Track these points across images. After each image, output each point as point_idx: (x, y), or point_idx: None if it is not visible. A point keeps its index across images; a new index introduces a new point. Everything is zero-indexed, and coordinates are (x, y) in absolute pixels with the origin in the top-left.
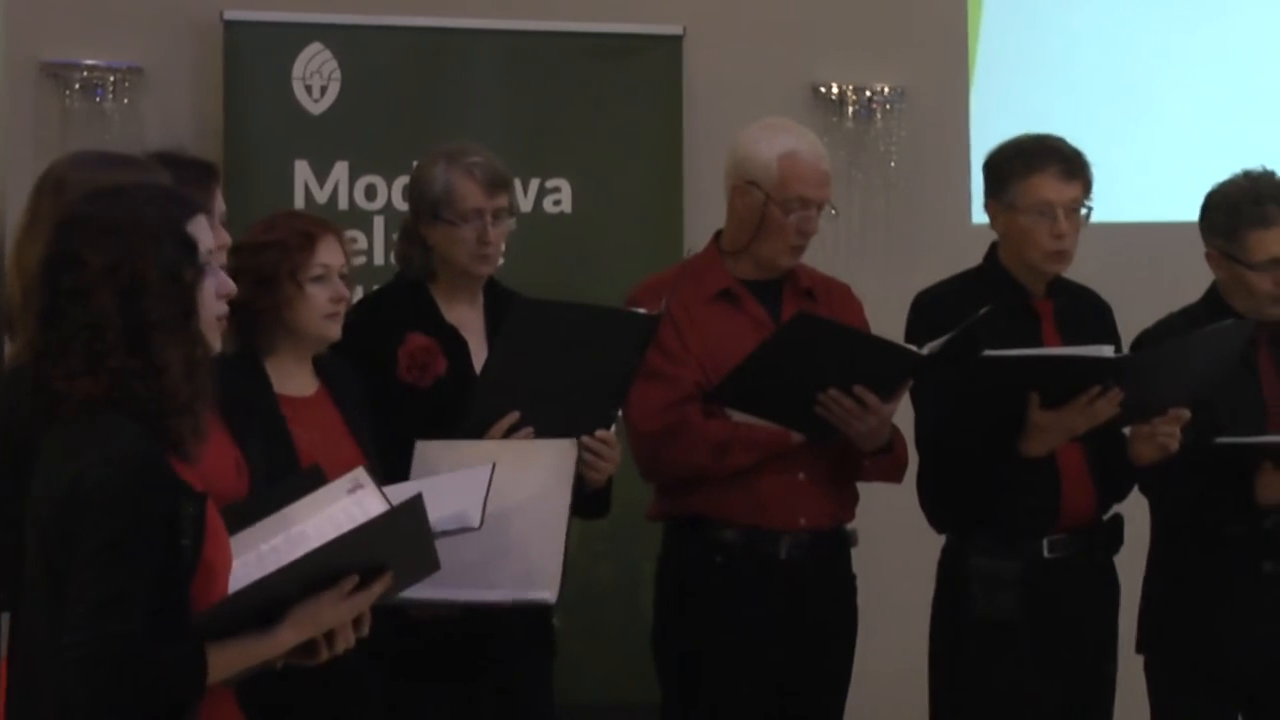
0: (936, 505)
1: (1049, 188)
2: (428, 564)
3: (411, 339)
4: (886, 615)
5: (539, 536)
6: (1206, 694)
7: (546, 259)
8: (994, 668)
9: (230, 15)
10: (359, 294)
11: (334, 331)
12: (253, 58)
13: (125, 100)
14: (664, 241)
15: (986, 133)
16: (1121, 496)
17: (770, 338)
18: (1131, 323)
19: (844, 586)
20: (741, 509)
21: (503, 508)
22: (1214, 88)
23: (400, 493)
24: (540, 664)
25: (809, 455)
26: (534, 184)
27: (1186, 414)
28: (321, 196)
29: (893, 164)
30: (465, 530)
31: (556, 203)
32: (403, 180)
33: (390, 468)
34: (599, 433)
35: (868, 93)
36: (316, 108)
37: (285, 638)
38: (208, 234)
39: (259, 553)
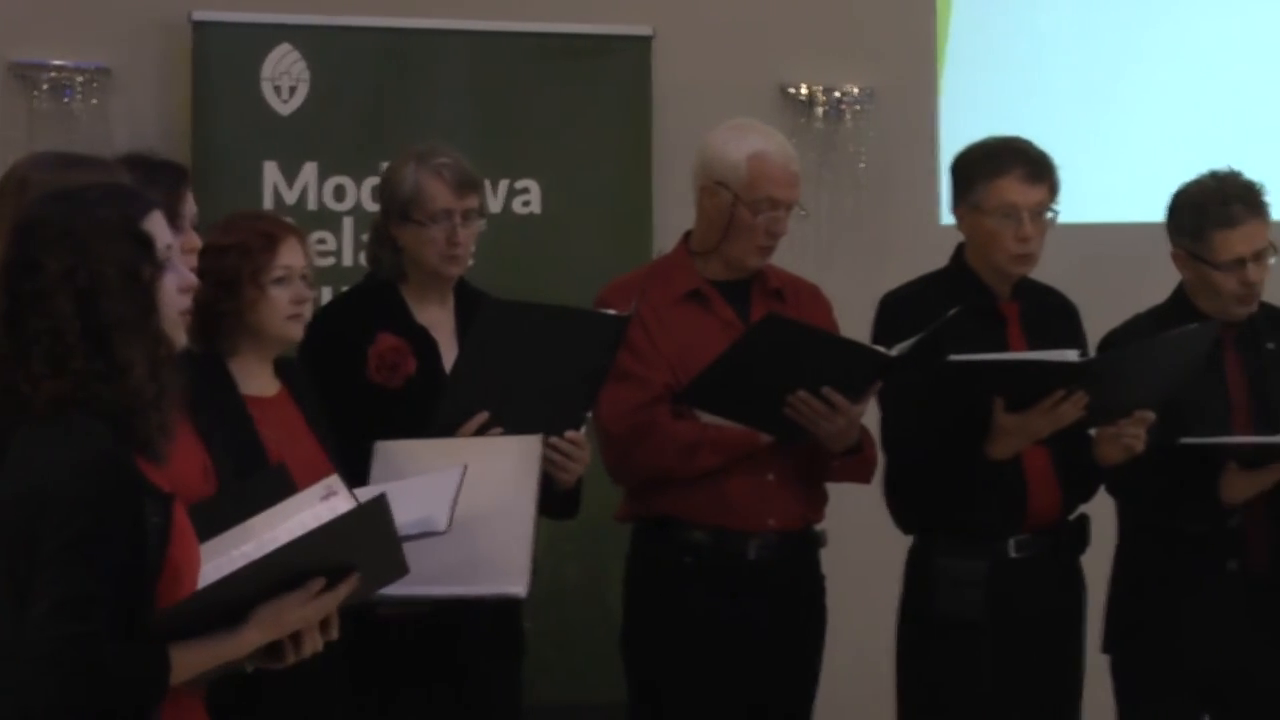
0: (903, 506)
1: (1014, 190)
2: (395, 567)
3: (382, 339)
4: (854, 615)
5: (506, 532)
6: (1173, 693)
7: (516, 260)
8: (960, 667)
9: (198, 16)
10: (328, 294)
11: (296, 333)
12: (221, 58)
13: (93, 101)
14: (633, 242)
15: (955, 134)
16: (1087, 497)
17: (739, 339)
18: (1099, 323)
19: (813, 587)
20: (710, 510)
21: (469, 505)
22: (1181, 89)
23: (368, 496)
24: (509, 665)
25: (778, 456)
26: (503, 185)
27: (1152, 416)
28: (290, 197)
29: (861, 165)
30: (431, 534)
31: (526, 204)
32: (372, 181)
33: (357, 468)
34: (568, 434)
35: (837, 94)
36: (285, 108)
37: (250, 638)
38: (165, 230)
39: (230, 559)
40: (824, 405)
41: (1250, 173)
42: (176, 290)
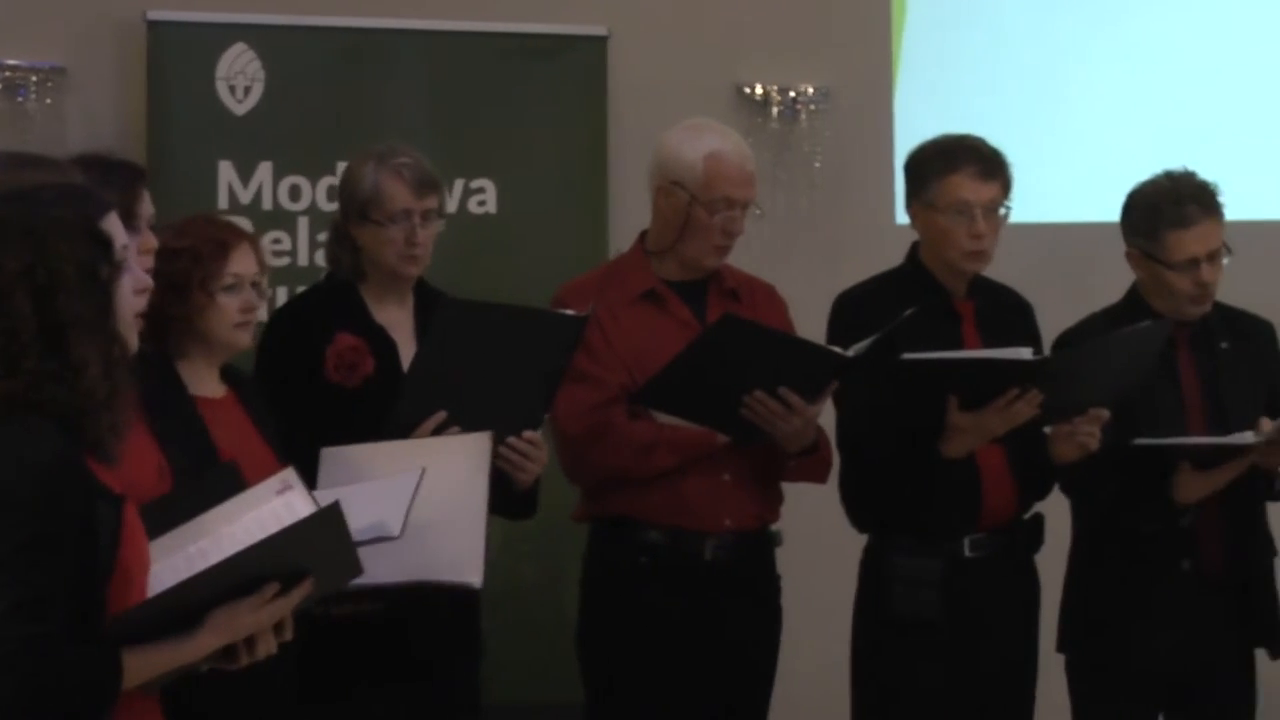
0: (858, 505)
1: (967, 187)
2: (350, 568)
3: (340, 338)
4: (810, 614)
5: (459, 530)
6: (1127, 692)
7: (471, 259)
8: (915, 666)
9: (153, 15)
10: (283, 294)
11: (244, 340)
12: (176, 58)
13: (48, 100)
14: (589, 242)
15: (910, 133)
16: (1042, 495)
17: (695, 340)
18: (1053, 322)
19: (768, 587)
20: (666, 510)
21: (421, 506)
22: (1135, 89)
23: (330, 500)
24: (468, 665)
25: (734, 456)
26: (459, 184)
27: (1106, 413)
28: (245, 197)
29: (817, 164)
30: (384, 539)
31: (481, 203)
32: (327, 181)
33: (313, 468)
34: (526, 434)
35: (792, 93)
36: (240, 108)
37: (204, 642)
38: (121, 231)
39: (186, 554)
40: (780, 406)
41: (1204, 173)
42: (132, 291)
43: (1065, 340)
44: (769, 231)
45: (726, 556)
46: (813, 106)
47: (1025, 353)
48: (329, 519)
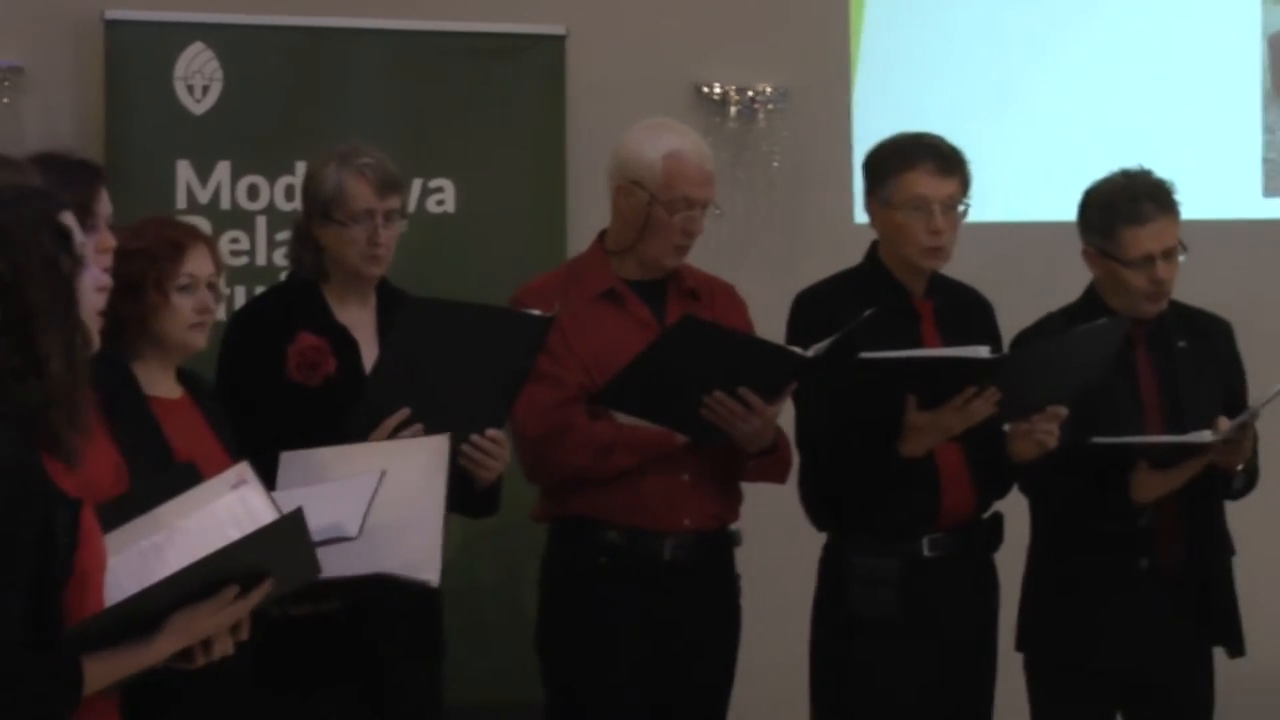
0: (817, 504)
1: (924, 183)
2: (309, 569)
3: (302, 338)
4: (769, 614)
5: (417, 532)
6: (1085, 691)
7: (430, 259)
8: (874, 665)
9: (111, 15)
10: (241, 294)
11: (199, 341)
12: (134, 57)
13: (5, 100)
14: (547, 241)
15: (868, 133)
16: (1001, 494)
17: (655, 342)
18: (1013, 320)
19: (727, 586)
20: (625, 510)
21: (379, 508)
22: (1092, 88)
23: (290, 500)
24: (429, 665)
25: (693, 456)
26: (417, 184)
27: (1064, 411)
28: (204, 196)
29: (775, 164)
30: (342, 540)
31: (440, 203)
32: (285, 180)
33: (273, 468)
34: (489, 432)
35: (750, 93)
36: (198, 107)
37: (164, 646)
38: (78, 230)
39: (140, 549)
40: (740, 406)
41: (1162, 171)
42: (93, 289)
43: (1022, 339)
44: (727, 231)
45: (685, 556)
46: (771, 106)
47: (983, 351)
48: (291, 525)
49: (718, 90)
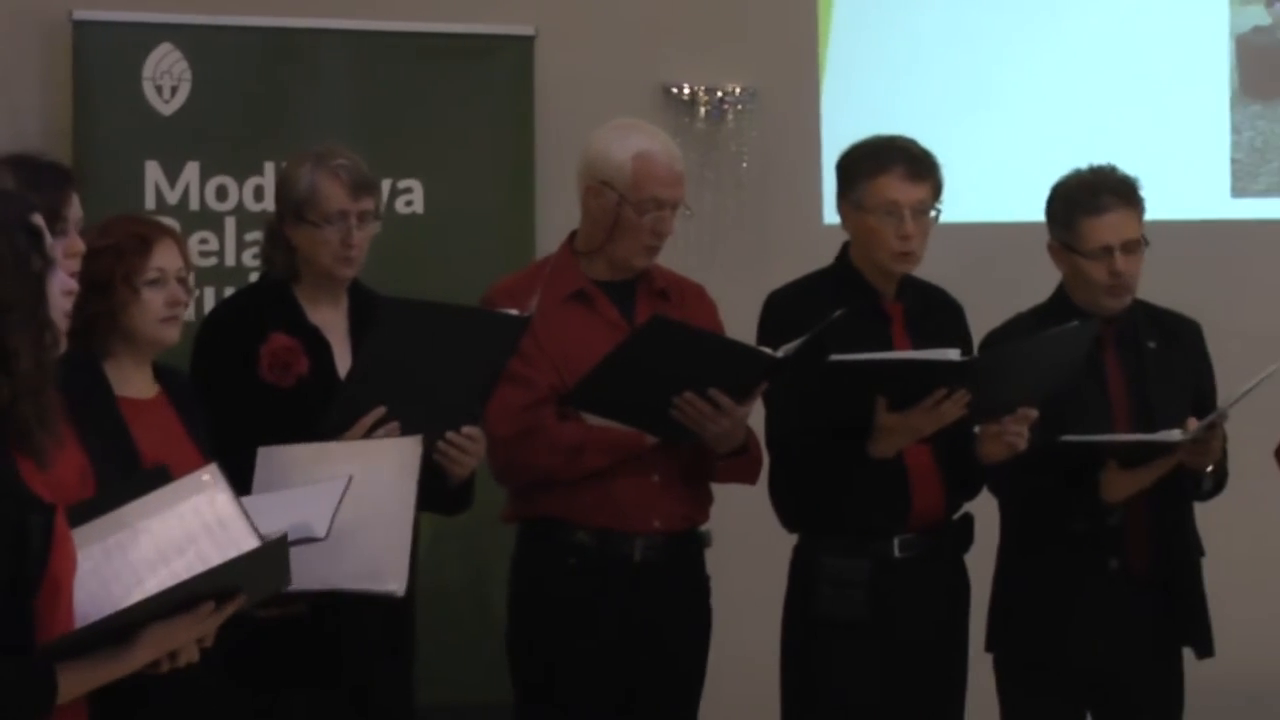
0: (787, 505)
1: (895, 188)
2: (280, 580)
3: (274, 338)
4: (739, 615)
5: (385, 533)
6: (1055, 691)
7: (399, 260)
8: (844, 666)
9: (79, 15)
10: (210, 295)
11: (171, 335)
12: (102, 58)
13: None
14: (516, 242)
15: (837, 133)
16: (971, 495)
17: (624, 342)
18: (983, 322)
19: (698, 587)
20: (595, 511)
21: (348, 510)
22: (1062, 88)
23: (258, 504)
24: (400, 668)
25: (663, 457)
26: (386, 184)
27: (1034, 413)
28: (172, 197)
29: (744, 164)
30: (310, 540)
31: (409, 203)
32: (254, 181)
33: (245, 468)
34: (464, 429)
35: (719, 93)
36: (167, 108)
37: (138, 657)
38: (46, 233)
39: (105, 547)
40: (710, 406)
41: (1130, 171)
42: (60, 292)
43: (992, 340)
44: (695, 231)
45: (655, 557)
46: (739, 106)
47: (953, 353)
48: (276, 549)
49: (686, 91)
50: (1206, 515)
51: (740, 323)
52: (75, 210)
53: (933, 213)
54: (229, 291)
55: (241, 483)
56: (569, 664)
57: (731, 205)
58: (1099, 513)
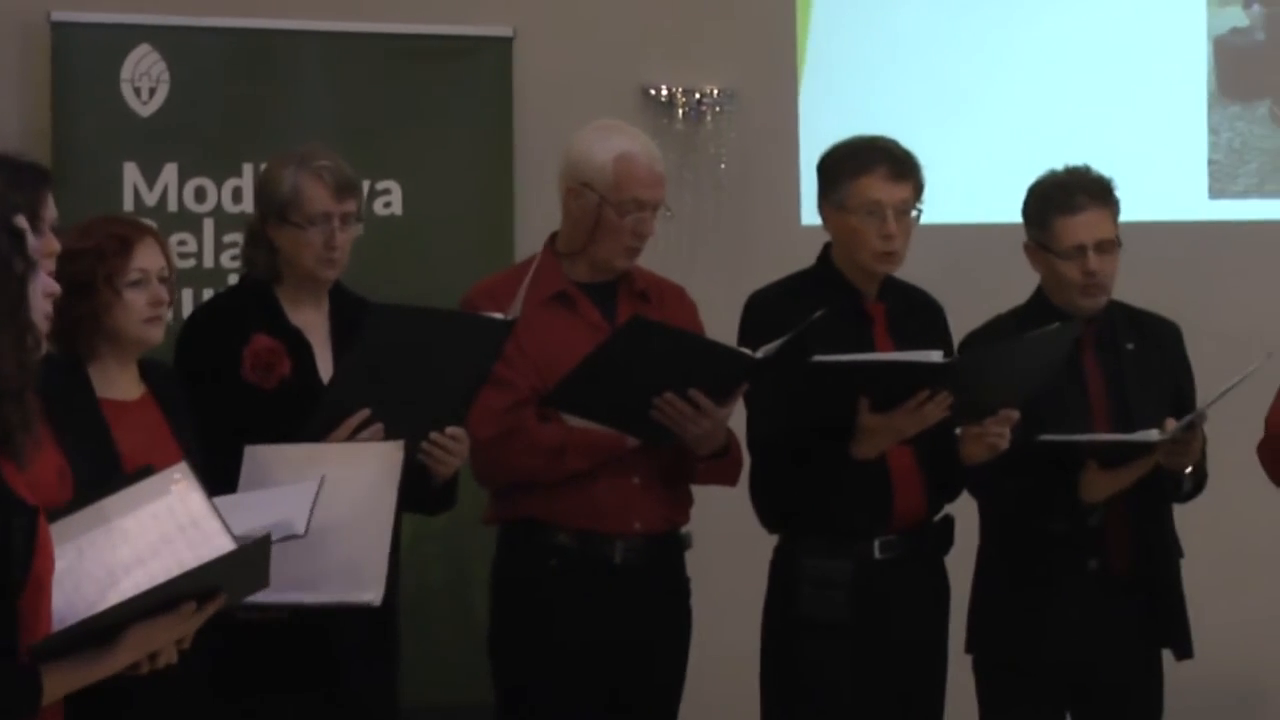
0: (768, 506)
1: (878, 188)
2: (259, 581)
3: (256, 339)
4: (720, 616)
5: (364, 539)
6: (1034, 692)
7: (377, 261)
8: (825, 667)
9: (57, 16)
10: (188, 296)
11: (154, 335)
12: (80, 59)
13: None
14: (495, 243)
15: (815, 134)
16: (952, 497)
17: (604, 343)
18: (964, 323)
19: (678, 589)
20: (576, 513)
21: (328, 511)
22: (1040, 89)
23: (229, 503)
24: (385, 670)
25: (644, 459)
26: (364, 186)
27: (1016, 415)
28: (151, 199)
29: (723, 166)
30: (290, 537)
31: (387, 205)
32: (232, 182)
33: (227, 469)
34: (449, 429)
35: (697, 95)
36: (145, 109)
37: (121, 658)
38: (31, 233)
39: (77, 545)
40: (690, 408)
41: (1108, 173)
42: (41, 294)
43: (971, 341)
44: (674, 233)
45: (636, 559)
46: (718, 108)
47: (936, 355)
48: (259, 549)
49: (665, 92)
50: (1185, 516)
51: (719, 324)
52: (51, 211)
53: (914, 213)
54: (207, 293)
55: (226, 483)
56: (550, 665)
57: (710, 206)
58: (1078, 513)
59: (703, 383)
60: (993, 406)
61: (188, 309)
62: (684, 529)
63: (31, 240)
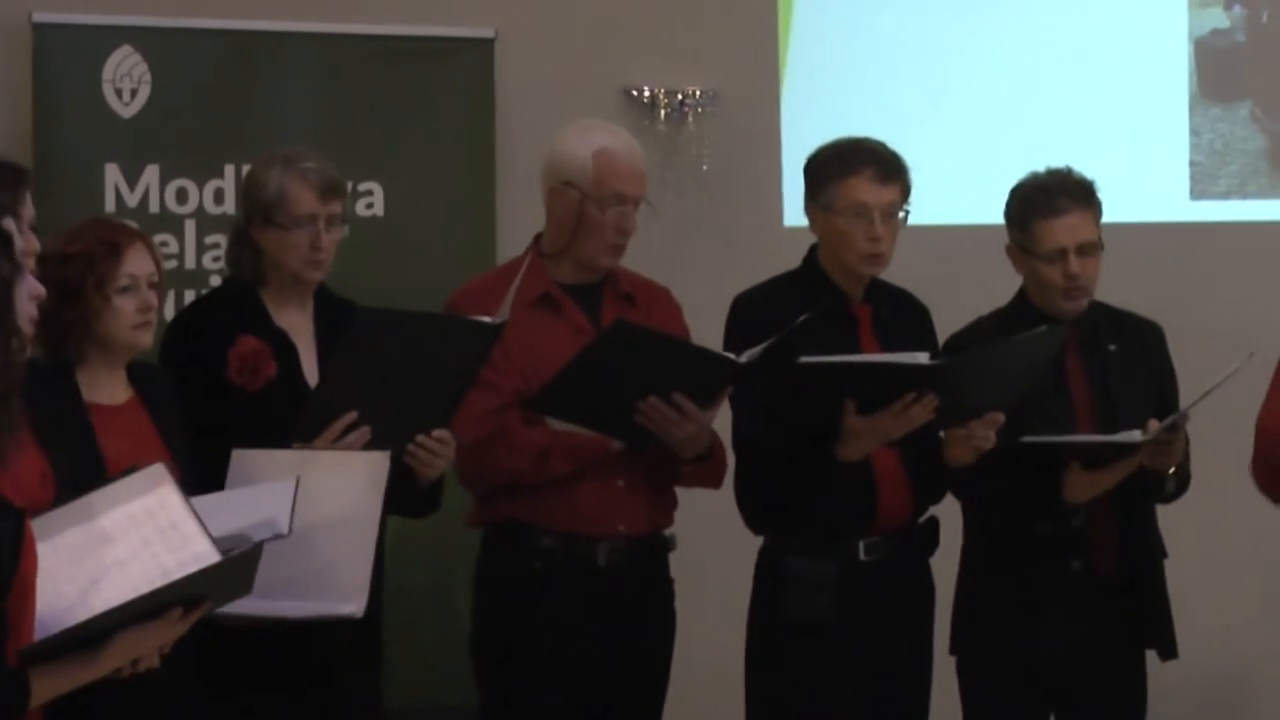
0: (753, 508)
1: (864, 190)
2: (243, 587)
3: (242, 341)
4: (704, 617)
5: (347, 549)
6: (1018, 694)
7: (359, 263)
8: (810, 669)
9: (39, 18)
10: (170, 297)
11: (144, 340)
12: (62, 60)
13: None
14: (477, 245)
15: (797, 136)
16: (938, 499)
17: (588, 347)
18: (950, 325)
19: (662, 591)
20: (560, 516)
21: (312, 520)
22: (1021, 91)
23: (206, 504)
24: (369, 672)
25: (628, 462)
26: (346, 187)
27: (1001, 417)
28: (132, 200)
29: (705, 167)
30: (276, 537)
31: (369, 206)
32: (214, 184)
33: (213, 471)
34: (435, 432)
35: (680, 95)
36: (127, 111)
37: (108, 663)
38: (18, 235)
39: (55, 545)
40: (674, 411)
41: (1090, 174)
42: (27, 297)
43: (954, 343)
44: (657, 233)
45: (620, 562)
46: (700, 109)
47: (922, 357)
48: (248, 559)
49: (647, 93)
50: (1169, 517)
51: (702, 325)
52: (28, 210)
53: (901, 214)
54: (189, 294)
55: (212, 486)
56: (533, 667)
57: (693, 208)
58: (1062, 514)
59: (686, 387)
60: (979, 409)
61: (170, 311)
62: (668, 531)
63: (19, 243)
